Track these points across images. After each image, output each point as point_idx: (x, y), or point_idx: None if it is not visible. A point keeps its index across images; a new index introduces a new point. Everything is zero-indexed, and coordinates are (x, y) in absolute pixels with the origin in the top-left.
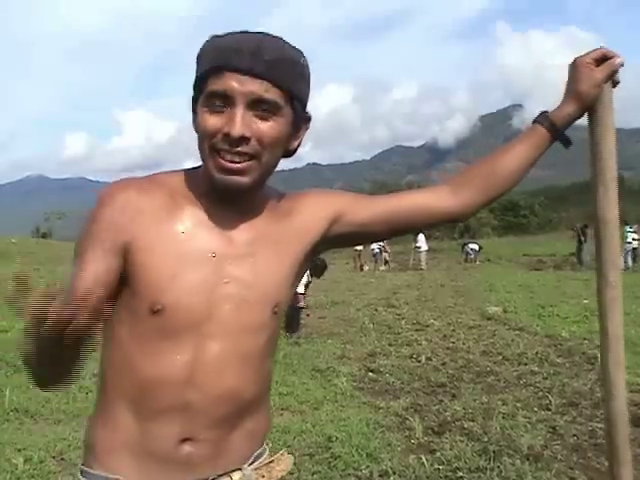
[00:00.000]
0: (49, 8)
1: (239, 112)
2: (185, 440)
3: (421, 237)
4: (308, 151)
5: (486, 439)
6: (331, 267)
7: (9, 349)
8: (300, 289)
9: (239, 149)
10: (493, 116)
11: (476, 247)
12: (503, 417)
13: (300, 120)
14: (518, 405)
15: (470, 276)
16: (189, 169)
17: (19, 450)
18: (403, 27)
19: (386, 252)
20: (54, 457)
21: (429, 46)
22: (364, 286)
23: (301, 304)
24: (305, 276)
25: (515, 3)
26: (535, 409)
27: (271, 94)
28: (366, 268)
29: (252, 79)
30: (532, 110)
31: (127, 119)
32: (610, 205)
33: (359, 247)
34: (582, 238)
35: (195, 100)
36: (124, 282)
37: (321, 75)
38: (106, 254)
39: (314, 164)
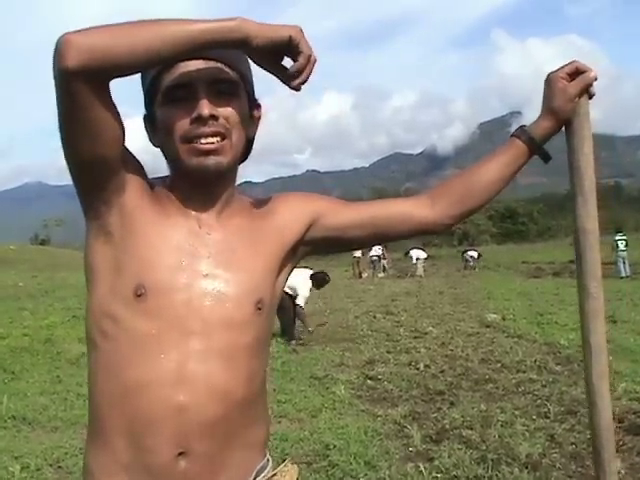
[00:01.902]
0: (50, 14)
1: (202, 95)
2: (181, 454)
3: (414, 252)
4: (307, 158)
5: (484, 447)
6: (329, 274)
7: (7, 356)
8: (301, 302)
9: (211, 129)
10: (492, 124)
11: (475, 254)
12: (502, 425)
13: (253, 104)
14: (517, 413)
15: (469, 283)
16: (162, 176)
17: (16, 458)
18: (402, 35)
19: (384, 259)
20: (51, 465)
21: (428, 54)
22: (363, 293)
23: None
24: (308, 290)
25: (514, 11)
26: (534, 417)
27: (226, 74)
28: (365, 275)
29: (205, 62)
30: (531, 117)
31: (125, 126)
32: (589, 215)
33: (358, 254)
34: None
35: (148, 116)
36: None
37: (320, 83)
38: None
39: (313, 171)
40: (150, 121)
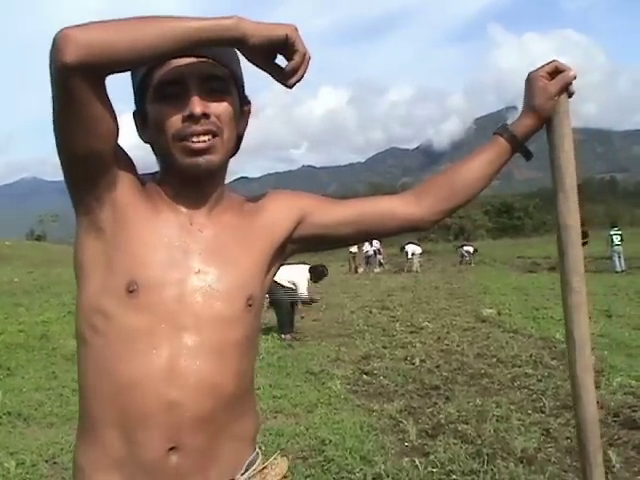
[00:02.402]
0: (48, 10)
1: (194, 92)
2: (172, 449)
3: (409, 247)
4: (303, 153)
5: (480, 442)
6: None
7: (2, 352)
8: (302, 290)
9: (203, 127)
10: (488, 118)
11: (471, 249)
12: (497, 420)
13: (243, 102)
14: (512, 408)
15: (464, 278)
16: (151, 172)
17: (11, 454)
18: (398, 30)
19: (380, 254)
20: (46, 461)
21: (424, 48)
22: (359, 288)
23: (308, 298)
24: (306, 283)
25: (510, 5)
26: (529, 412)
27: (218, 70)
28: (360, 270)
29: (197, 59)
30: None
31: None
32: (570, 211)
33: (354, 249)
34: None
35: (139, 112)
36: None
37: (316, 78)
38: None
39: (309, 166)
40: (141, 117)
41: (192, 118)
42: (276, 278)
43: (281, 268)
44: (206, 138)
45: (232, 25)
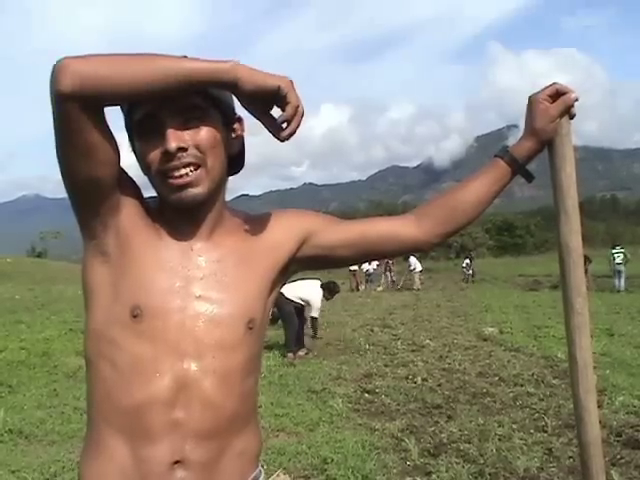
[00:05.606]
0: (47, 28)
1: (168, 127)
2: (177, 463)
3: (412, 259)
4: (304, 171)
5: (482, 461)
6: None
7: (3, 369)
8: (315, 313)
9: (181, 161)
10: (489, 137)
11: (467, 261)
12: (499, 439)
13: (231, 122)
14: (514, 427)
15: (466, 296)
16: (155, 196)
17: (13, 472)
18: (399, 48)
19: (391, 271)
20: (48, 479)
21: (425, 67)
22: (360, 306)
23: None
24: (320, 301)
25: (510, 24)
26: (531, 431)
27: (191, 100)
28: (362, 288)
29: None
30: None
31: (121, 140)
32: (572, 232)
33: (354, 267)
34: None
35: (133, 149)
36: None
37: (317, 95)
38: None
39: (310, 184)
40: (135, 154)
41: (168, 154)
42: (290, 295)
43: (293, 284)
44: (187, 171)
45: (227, 69)
